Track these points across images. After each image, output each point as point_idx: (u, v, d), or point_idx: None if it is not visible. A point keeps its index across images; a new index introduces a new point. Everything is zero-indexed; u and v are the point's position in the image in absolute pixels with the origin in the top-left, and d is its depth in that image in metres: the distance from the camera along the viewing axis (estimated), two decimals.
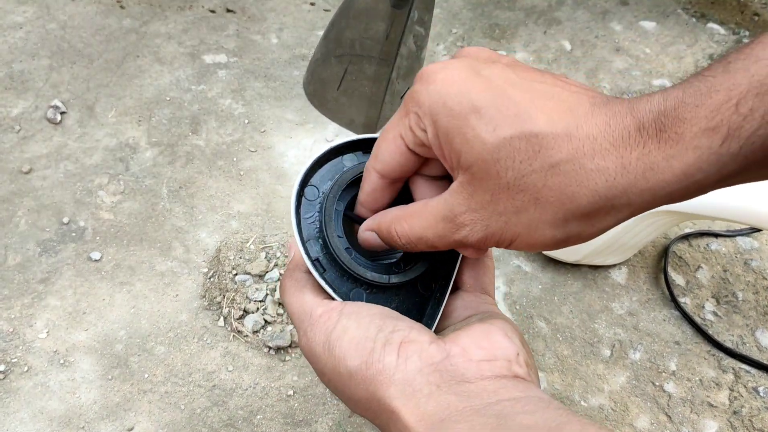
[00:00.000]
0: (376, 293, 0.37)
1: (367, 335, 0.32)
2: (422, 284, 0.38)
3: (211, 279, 0.72)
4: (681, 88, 0.28)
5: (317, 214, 0.37)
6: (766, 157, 0.28)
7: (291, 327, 0.68)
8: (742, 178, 0.29)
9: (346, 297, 0.36)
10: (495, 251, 0.77)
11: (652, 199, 0.29)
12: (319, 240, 0.36)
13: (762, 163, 0.28)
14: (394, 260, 0.38)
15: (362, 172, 0.36)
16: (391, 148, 0.33)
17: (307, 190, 0.37)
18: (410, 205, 0.35)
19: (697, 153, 0.28)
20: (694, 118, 0.27)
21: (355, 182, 0.37)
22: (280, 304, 0.70)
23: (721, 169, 0.28)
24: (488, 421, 0.28)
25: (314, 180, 0.37)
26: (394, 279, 0.37)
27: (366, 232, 0.36)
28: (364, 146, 0.38)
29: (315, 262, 0.36)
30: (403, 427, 0.30)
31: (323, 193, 0.37)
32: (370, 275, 0.36)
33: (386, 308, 0.34)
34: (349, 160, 0.38)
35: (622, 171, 0.29)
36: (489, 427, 0.28)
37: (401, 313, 0.34)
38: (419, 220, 0.34)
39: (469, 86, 0.30)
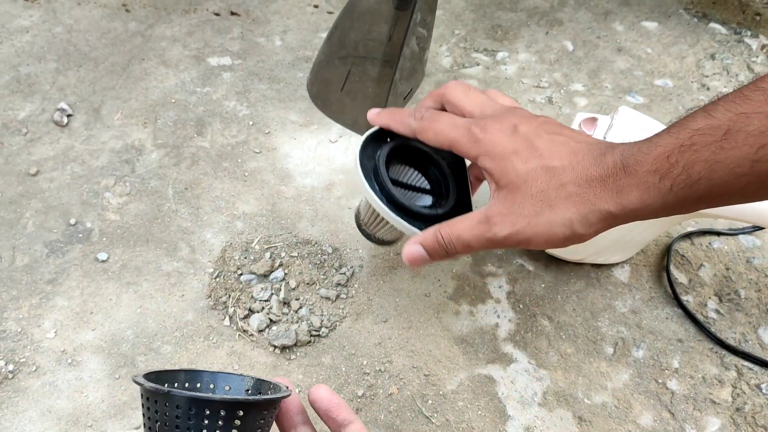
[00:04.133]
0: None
1: None
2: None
3: (217, 279, 0.72)
4: (641, 143, 0.44)
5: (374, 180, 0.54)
6: (692, 196, 0.41)
7: (296, 326, 0.69)
8: (681, 209, 0.43)
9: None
10: (498, 250, 0.78)
11: (623, 213, 0.44)
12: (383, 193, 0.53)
13: (691, 200, 0.42)
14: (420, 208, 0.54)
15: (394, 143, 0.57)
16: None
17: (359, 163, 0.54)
18: (454, 218, 0.50)
19: (645, 185, 0.42)
20: (644, 162, 0.43)
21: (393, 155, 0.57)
22: (284, 303, 0.70)
23: (662, 199, 0.42)
24: None
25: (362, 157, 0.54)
26: (440, 210, 0.55)
27: (413, 245, 0.51)
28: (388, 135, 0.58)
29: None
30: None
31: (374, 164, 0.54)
32: (426, 211, 0.54)
33: None
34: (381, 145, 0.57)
35: (603, 189, 0.44)
36: None
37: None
38: (461, 224, 0.49)
39: (511, 140, 0.48)
